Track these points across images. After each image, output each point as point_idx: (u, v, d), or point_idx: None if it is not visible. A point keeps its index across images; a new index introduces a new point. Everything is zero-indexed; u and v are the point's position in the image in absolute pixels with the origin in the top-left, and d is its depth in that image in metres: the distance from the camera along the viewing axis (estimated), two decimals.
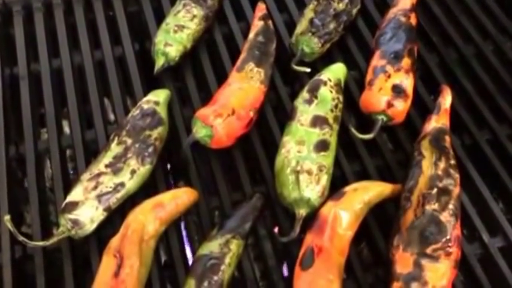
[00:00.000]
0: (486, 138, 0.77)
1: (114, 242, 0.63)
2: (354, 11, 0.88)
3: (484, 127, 0.78)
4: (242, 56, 0.81)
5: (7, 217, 0.63)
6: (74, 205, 0.65)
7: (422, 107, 0.79)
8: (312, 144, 0.70)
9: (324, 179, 0.68)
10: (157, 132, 0.72)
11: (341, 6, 0.87)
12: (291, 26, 0.88)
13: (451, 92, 0.77)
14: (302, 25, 0.85)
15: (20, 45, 0.86)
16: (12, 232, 0.62)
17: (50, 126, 0.78)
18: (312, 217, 0.66)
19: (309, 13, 0.86)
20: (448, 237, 0.61)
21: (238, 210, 0.67)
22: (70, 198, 0.66)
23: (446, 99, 0.76)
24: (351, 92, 0.80)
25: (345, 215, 0.65)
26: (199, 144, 0.74)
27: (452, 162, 0.68)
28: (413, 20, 0.84)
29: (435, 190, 0.65)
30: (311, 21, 0.84)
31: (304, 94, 0.75)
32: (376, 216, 0.69)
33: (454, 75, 0.83)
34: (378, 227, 0.69)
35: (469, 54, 0.85)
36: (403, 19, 0.83)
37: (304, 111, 0.73)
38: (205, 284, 0.59)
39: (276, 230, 0.65)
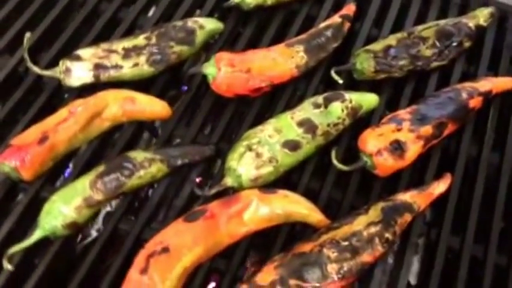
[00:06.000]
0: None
1: (78, 102, 0.70)
2: (435, 64, 0.84)
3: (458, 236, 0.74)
4: (301, 36, 0.82)
5: None
6: (78, 58, 0.74)
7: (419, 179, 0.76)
8: (285, 138, 0.71)
9: (267, 170, 0.69)
10: (180, 49, 0.77)
11: (427, 53, 0.83)
12: (372, 40, 0.87)
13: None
14: (378, 45, 0.83)
15: None
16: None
17: None
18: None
19: (392, 39, 0.84)
20: (316, 284, 0.61)
21: (188, 146, 0.71)
22: (80, 52, 0.75)
23: (439, 186, 0.73)
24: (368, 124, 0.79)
25: (260, 209, 0.66)
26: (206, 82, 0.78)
27: (388, 236, 0.66)
28: (474, 104, 0.79)
29: (344, 245, 0.64)
30: (387, 47, 0.83)
31: (319, 98, 0.76)
32: None
33: (472, 175, 0.78)
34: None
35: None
36: (464, 96, 0.79)
37: (306, 110, 0.74)
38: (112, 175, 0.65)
39: (198, 180, 0.68)
